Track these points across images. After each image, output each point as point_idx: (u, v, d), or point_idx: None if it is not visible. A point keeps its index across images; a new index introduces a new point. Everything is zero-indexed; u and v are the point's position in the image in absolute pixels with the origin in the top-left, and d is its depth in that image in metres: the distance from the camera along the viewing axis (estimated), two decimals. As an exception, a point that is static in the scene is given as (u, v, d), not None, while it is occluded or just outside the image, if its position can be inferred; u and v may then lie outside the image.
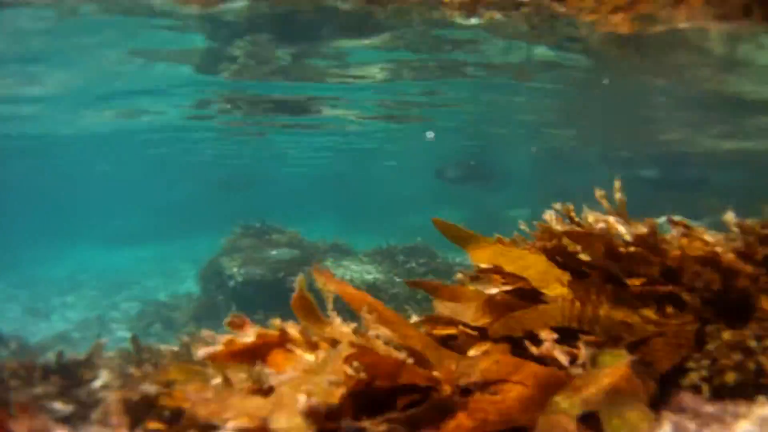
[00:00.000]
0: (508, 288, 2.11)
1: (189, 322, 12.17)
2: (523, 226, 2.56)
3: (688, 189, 20.09)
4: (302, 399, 1.63)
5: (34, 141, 22.16)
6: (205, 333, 2.17)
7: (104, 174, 37.79)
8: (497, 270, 2.15)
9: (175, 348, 6.27)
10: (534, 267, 2.10)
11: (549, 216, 2.30)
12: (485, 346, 2.03)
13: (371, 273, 12.09)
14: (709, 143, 19.87)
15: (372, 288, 11.30)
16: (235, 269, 12.01)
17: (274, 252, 11.83)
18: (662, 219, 2.20)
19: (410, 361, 1.80)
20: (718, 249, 1.96)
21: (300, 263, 11.59)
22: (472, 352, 2.03)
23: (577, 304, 1.98)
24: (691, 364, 1.88)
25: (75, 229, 37.86)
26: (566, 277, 2.09)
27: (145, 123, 18.16)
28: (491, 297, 2.14)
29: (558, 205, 2.37)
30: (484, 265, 2.19)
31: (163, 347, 6.27)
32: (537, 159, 29.03)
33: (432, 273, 12.45)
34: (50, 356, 6.02)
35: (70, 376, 6.50)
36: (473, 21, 8.11)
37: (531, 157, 28.72)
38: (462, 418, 1.71)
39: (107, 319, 15.67)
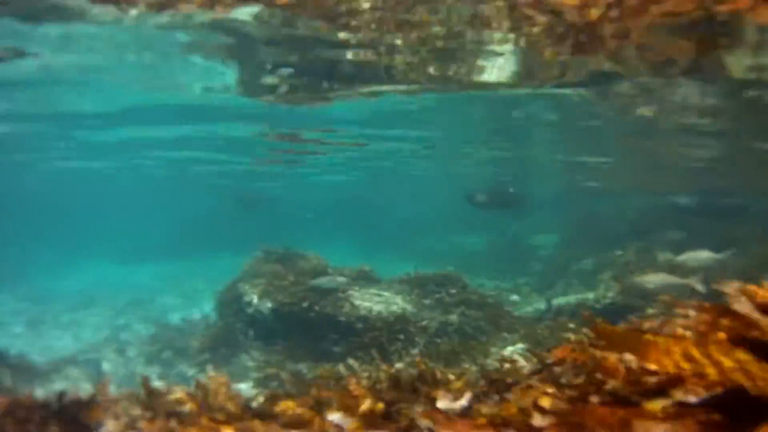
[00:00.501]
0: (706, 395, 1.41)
1: (204, 351, 11.49)
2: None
3: (725, 217, 19.18)
4: None
5: (56, 152, 21.96)
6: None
7: (123, 188, 37.57)
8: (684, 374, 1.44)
9: (190, 391, 5.58)
10: (744, 366, 1.40)
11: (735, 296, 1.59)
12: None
13: (398, 303, 11.36)
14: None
15: (400, 320, 10.58)
16: (255, 296, 11.35)
17: (296, 279, 11.16)
18: None
19: None
20: None
21: (324, 292, 10.92)
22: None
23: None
24: None
25: (92, 243, 37.54)
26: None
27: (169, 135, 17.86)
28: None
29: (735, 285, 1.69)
30: (666, 370, 1.48)
31: (176, 393, 5.58)
32: (564, 185, 28.30)
33: (464, 304, 11.70)
34: (51, 398, 5.33)
35: (71, 422, 5.76)
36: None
37: (558, 184, 28.03)
38: None
39: (117, 340, 15.05)
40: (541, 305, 14.65)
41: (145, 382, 5.57)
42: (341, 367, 10.02)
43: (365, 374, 7.70)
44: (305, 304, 10.60)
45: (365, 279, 12.90)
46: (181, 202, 34.54)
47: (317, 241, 21.42)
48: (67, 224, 46.39)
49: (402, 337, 10.27)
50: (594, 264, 19.22)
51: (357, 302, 10.99)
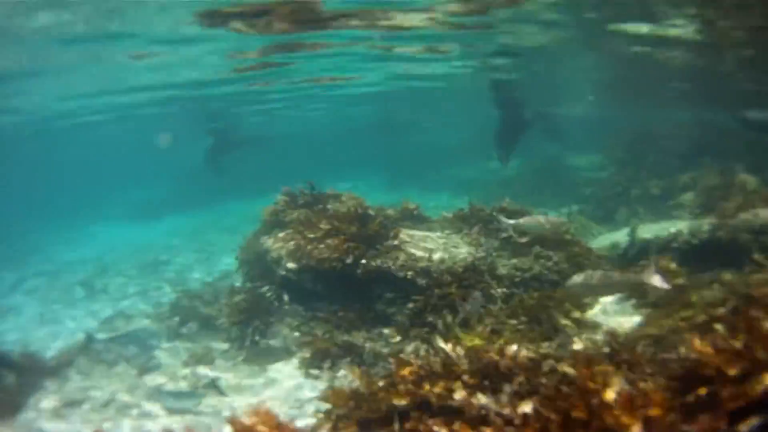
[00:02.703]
0: None
1: (233, 324, 9.54)
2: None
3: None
4: None
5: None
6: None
7: (121, 141, 35.44)
8: None
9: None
10: None
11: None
12: None
13: (462, 248, 9.27)
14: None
15: (470, 270, 8.50)
16: (283, 252, 9.27)
17: (334, 226, 8.99)
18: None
19: None
20: None
21: (368, 240, 8.80)
22: None
23: None
24: None
25: (96, 205, 35.65)
26: None
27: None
28: None
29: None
30: None
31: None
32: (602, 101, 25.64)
33: (538, 243, 9.59)
34: None
35: None
36: None
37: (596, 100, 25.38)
38: None
39: (135, 314, 13.19)
40: (617, 238, 12.46)
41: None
42: (410, 346, 8.06)
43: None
44: (349, 259, 8.51)
45: (411, 219, 10.81)
46: (181, 149, 32.16)
47: (338, 177, 19.10)
48: (74, 190, 44.52)
49: (476, 293, 8.20)
50: (661, 188, 17.00)
51: (411, 250, 8.91)
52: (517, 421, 4.05)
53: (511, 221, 8.61)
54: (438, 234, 10.04)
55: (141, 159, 44.02)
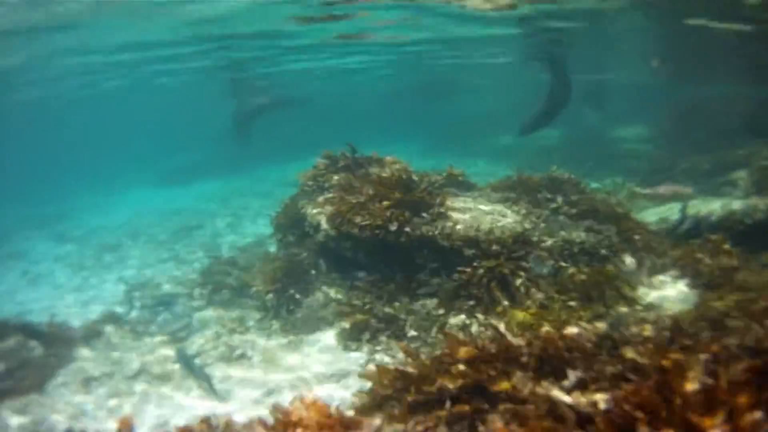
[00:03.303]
0: None
1: (268, 293, 9.20)
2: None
3: None
4: None
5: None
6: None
7: (156, 106, 35.24)
8: None
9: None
10: None
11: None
12: None
13: (509, 217, 8.76)
14: None
15: (519, 241, 7.99)
16: (323, 217, 8.86)
17: (377, 192, 8.53)
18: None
19: None
20: None
21: (413, 207, 8.34)
22: None
23: None
24: None
25: (130, 171, 35.70)
26: None
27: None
28: None
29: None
30: None
31: None
32: (653, 71, 24.46)
33: (590, 215, 9.04)
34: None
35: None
36: None
37: (645, 70, 24.18)
38: None
39: (166, 280, 12.97)
40: (665, 212, 11.83)
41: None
42: (454, 320, 7.62)
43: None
44: (393, 227, 8.06)
45: (457, 185, 10.30)
46: (216, 112, 31.74)
47: (372, 142, 18.63)
48: (103, 154, 44.71)
49: (524, 264, 7.73)
50: (710, 164, 16.16)
51: (458, 217, 8.42)
52: (596, 418, 3.57)
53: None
54: (485, 202, 9.55)
55: (174, 124, 43.99)
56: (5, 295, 13.95)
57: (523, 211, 9.05)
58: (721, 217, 9.81)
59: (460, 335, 6.13)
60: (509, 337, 5.66)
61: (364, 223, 8.19)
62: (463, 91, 36.45)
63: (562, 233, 8.68)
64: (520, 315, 7.35)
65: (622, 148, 21.67)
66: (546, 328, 6.64)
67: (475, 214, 8.69)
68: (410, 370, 5.40)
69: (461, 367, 5.09)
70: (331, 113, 36.82)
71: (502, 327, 6.55)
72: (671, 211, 11.69)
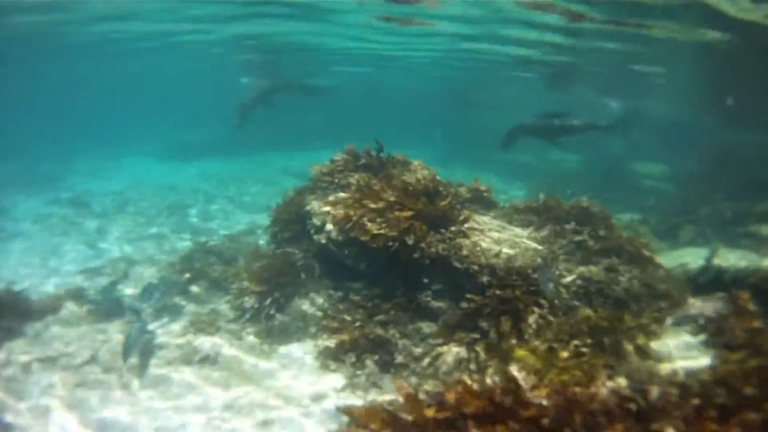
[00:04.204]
0: None
1: (246, 293, 8.27)
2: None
3: None
4: None
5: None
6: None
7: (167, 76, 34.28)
8: None
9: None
10: None
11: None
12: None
13: (532, 245, 7.81)
14: None
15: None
16: (330, 218, 7.91)
17: (398, 200, 7.57)
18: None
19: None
20: None
21: (434, 220, 7.40)
22: None
23: None
24: None
25: (132, 139, 34.69)
26: None
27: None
28: None
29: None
30: None
31: None
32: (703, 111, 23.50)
33: (614, 253, 8.11)
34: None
35: None
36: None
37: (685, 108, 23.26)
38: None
39: (142, 259, 12.03)
40: (684, 258, 10.93)
41: None
42: (450, 352, 6.64)
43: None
44: (410, 240, 7.12)
45: (480, 202, 9.38)
46: (227, 93, 30.74)
47: (387, 143, 17.73)
48: (111, 119, 43.79)
49: (542, 301, 6.80)
50: (734, 212, 15.24)
51: (476, 237, 7.51)
52: None
53: None
54: (506, 224, 8.63)
55: (187, 98, 43.13)
56: (-28, 252, 13.03)
57: (547, 241, 8.12)
58: (747, 273, 8.88)
59: (473, 382, 5.21)
60: (525, 389, 4.79)
61: (378, 231, 7.24)
62: (490, 102, 35.43)
63: (581, 269, 7.79)
64: (528, 356, 6.46)
65: (644, 184, 20.79)
66: (563, 377, 5.81)
67: (496, 236, 7.76)
68: (405, 416, 4.50)
69: (470, 423, 4.21)
70: (351, 107, 35.70)
71: (515, 372, 5.69)
72: (691, 257, 10.84)
